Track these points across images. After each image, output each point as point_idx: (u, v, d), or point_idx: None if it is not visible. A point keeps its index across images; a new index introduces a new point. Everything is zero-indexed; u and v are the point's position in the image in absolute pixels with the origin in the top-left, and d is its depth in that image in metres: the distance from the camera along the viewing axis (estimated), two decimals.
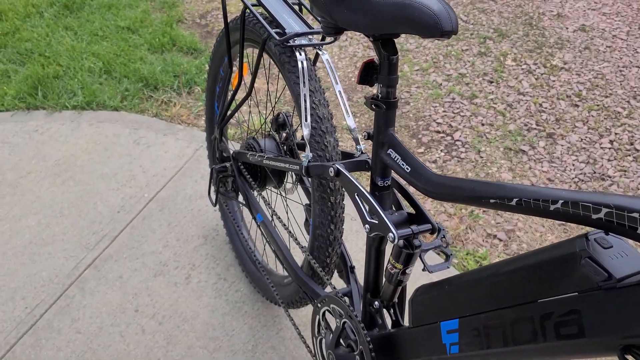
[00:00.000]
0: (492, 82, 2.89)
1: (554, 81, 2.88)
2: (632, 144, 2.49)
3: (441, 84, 2.88)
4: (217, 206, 1.87)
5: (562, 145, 2.48)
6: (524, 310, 0.82)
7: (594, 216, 0.72)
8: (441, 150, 2.45)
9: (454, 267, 1.91)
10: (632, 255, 0.73)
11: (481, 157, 2.41)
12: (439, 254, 1.85)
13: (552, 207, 0.77)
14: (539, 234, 2.03)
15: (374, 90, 1.09)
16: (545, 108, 2.70)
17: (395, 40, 1.06)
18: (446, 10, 0.89)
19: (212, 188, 1.72)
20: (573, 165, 2.37)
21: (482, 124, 2.61)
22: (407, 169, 1.04)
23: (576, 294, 0.74)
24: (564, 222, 2.09)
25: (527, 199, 0.80)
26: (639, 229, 0.67)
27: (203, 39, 3.28)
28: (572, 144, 2.49)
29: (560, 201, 0.76)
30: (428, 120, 2.63)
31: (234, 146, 1.90)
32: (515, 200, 0.82)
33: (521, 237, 2.02)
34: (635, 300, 0.68)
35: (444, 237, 1.12)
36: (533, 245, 1.98)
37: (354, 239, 1.97)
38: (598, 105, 2.71)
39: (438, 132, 2.57)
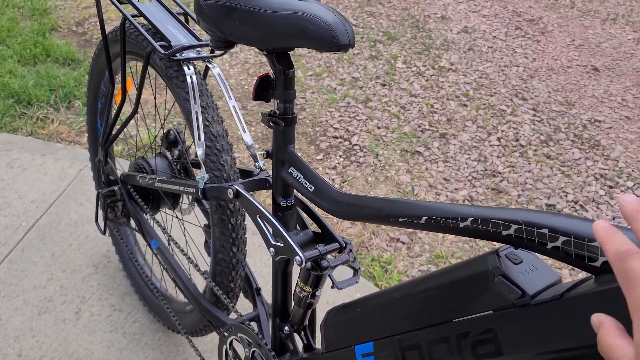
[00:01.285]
0: (385, 85, 2.93)
1: (442, 82, 2.97)
2: (517, 140, 2.61)
3: (336, 89, 2.88)
4: (107, 233, 1.73)
5: (454, 145, 2.55)
6: (439, 330, 0.79)
7: (504, 233, 0.70)
8: (340, 156, 2.44)
9: (362, 275, 1.89)
10: (542, 269, 0.73)
11: (379, 160, 2.43)
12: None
13: (461, 225, 0.75)
14: (440, 235, 2.07)
15: (271, 105, 1.03)
16: (437, 109, 2.78)
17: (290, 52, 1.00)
18: (342, 23, 0.85)
19: (100, 214, 1.57)
20: (466, 163, 2.45)
21: (378, 127, 2.63)
22: (311, 188, 0.99)
23: (491, 312, 0.73)
24: None
25: (436, 217, 0.78)
26: (549, 244, 0.66)
27: (81, 49, 3.06)
28: (463, 143, 2.57)
29: (470, 218, 0.74)
30: (325, 126, 2.61)
31: (122, 166, 1.76)
32: (424, 218, 0.79)
33: (423, 238, 2.05)
34: (548, 316, 0.67)
35: (351, 251, 1.08)
36: (434, 246, 2.01)
37: (258, 254, 1.90)
38: (484, 104, 2.83)
39: (336, 137, 2.55)
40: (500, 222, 0.70)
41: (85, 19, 3.35)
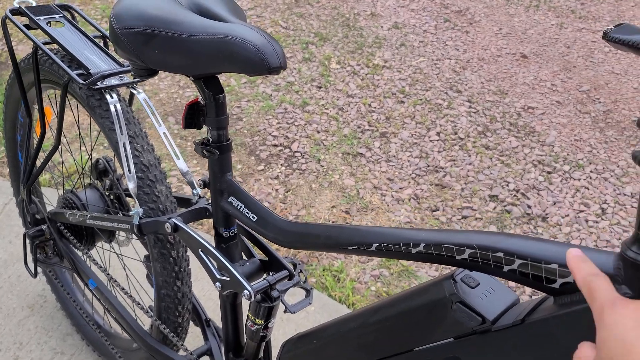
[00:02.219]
0: (320, 87, 2.89)
1: (378, 80, 2.96)
2: (456, 133, 2.64)
3: (271, 95, 2.82)
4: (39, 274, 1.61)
5: (395, 143, 2.55)
6: None
7: (458, 257, 0.68)
8: (282, 165, 2.39)
9: (314, 286, 1.85)
10: (499, 290, 0.71)
11: (322, 166, 2.39)
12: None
13: (414, 251, 0.72)
14: None
15: (203, 132, 0.96)
16: (375, 108, 2.77)
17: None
18: (271, 45, 0.80)
19: (30, 255, 1.46)
20: (409, 161, 2.45)
21: (318, 131, 2.59)
22: (253, 217, 0.94)
23: (452, 340, 0.70)
24: (416, 216, 2.14)
25: (387, 244, 0.75)
26: (505, 268, 0.64)
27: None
28: (404, 140, 2.57)
29: (422, 244, 0.71)
30: (264, 135, 2.55)
31: (49, 200, 1.64)
32: (374, 245, 0.76)
33: None
34: (511, 342, 0.65)
35: (301, 271, 1.04)
36: None
37: (205, 276, 1.83)
38: (421, 99, 2.84)
39: (275, 145, 2.50)
40: (453, 247, 0.68)
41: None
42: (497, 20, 3.59)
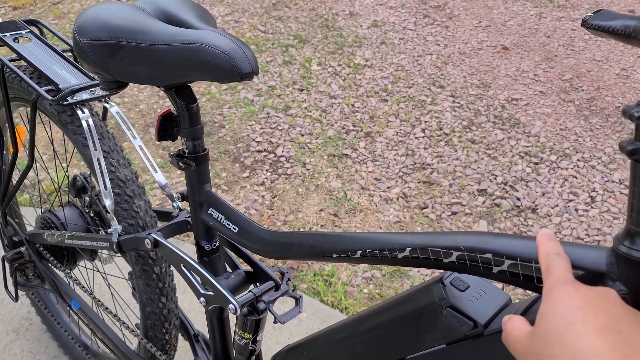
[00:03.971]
0: (302, 90, 2.87)
1: (360, 79, 2.94)
2: (441, 129, 2.62)
3: (253, 100, 2.79)
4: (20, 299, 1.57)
5: (380, 142, 2.52)
6: None
7: (446, 260, 0.65)
8: (267, 170, 2.36)
9: (304, 292, 1.82)
10: (490, 292, 0.68)
11: (308, 169, 2.36)
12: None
13: (400, 256, 0.69)
14: None
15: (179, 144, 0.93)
16: (358, 108, 2.75)
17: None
18: (241, 50, 0.77)
19: (10, 279, 1.42)
20: (395, 160, 2.43)
21: (302, 135, 2.56)
22: (234, 229, 0.91)
23: (444, 346, 0.67)
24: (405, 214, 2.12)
25: (372, 250, 0.72)
26: (494, 269, 0.62)
27: None
28: (389, 139, 2.55)
29: (408, 249, 0.68)
30: (247, 141, 2.52)
31: (29, 221, 1.60)
32: (359, 252, 0.73)
33: None
34: (504, 346, 0.63)
35: (289, 280, 1.01)
36: None
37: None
38: (404, 97, 2.82)
39: (260, 151, 2.47)
40: (440, 250, 0.65)
41: None
42: (476, 13, 3.58)
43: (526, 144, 2.52)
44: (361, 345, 0.77)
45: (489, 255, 0.61)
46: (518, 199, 2.22)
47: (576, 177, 2.34)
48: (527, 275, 0.60)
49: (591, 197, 2.24)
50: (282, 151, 2.46)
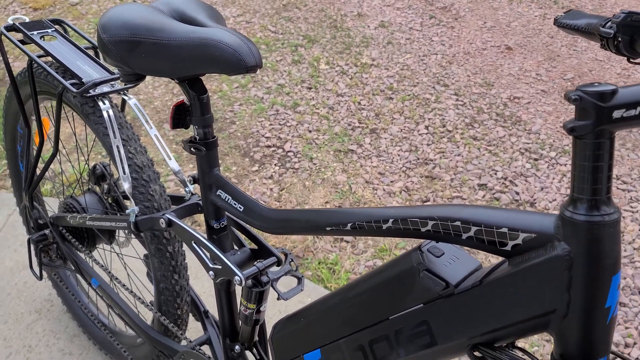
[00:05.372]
0: (310, 88, 2.97)
1: (366, 78, 3.03)
2: (444, 126, 2.70)
3: (263, 98, 2.89)
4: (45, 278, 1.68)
5: (385, 139, 2.62)
6: (379, 329, 0.83)
7: (423, 229, 0.74)
8: (275, 164, 2.46)
9: (309, 279, 1.92)
10: (462, 258, 0.77)
11: (314, 164, 2.46)
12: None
13: (384, 227, 0.78)
14: None
15: (190, 132, 1.03)
16: (364, 105, 2.84)
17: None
18: (247, 45, 0.87)
19: (35, 260, 1.53)
20: (399, 155, 2.51)
21: (310, 131, 2.66)
22: (240, 208, 1.00)
23: (422, 305, 0.76)
24: None
25: (360, 222, 0.81)
26: (463, 235, 0.71)
27: None
28: (394, 135, 2.64)
29: (391, 220, 0.77)
30: (257, 137, 2.62)
31: (51, 207, 1.71)
32: (349, 225, 0.82)
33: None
34: (472, 302, 0.72)
35: (292, 260, 1.11)
36: (378, 240, 2.06)
37: (205, 275, 1.89)
38: (409, 95, 2.91)
39: (269, 146, 2.57)
40: (418, 220, 0.74)
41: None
42: (481, 14, 3.66)
43: (527, 141, 2.60)
44: (350, 309, 0.87)
45: (458, 223, 0.71)
46: (517, 193, 2.30)
47: None
48: (490, 240, 0.69)
49: None
50: (290, 146, 2.56)
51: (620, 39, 0.68)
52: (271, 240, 2.04)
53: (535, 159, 2.49)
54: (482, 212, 0.70)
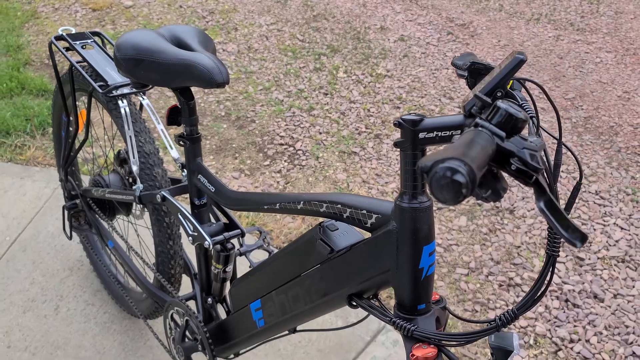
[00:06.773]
0: (327, 94, 3.27)
1: (379, 88, 3.31)
2: None
3: (282, 100, 3.21)
4: (73, 239, 2.05)
5: (387, 144, 2.89)
6: (295, 283, 1.12)
7: (321, 210, 1.04)
8: (285, 161, 2.77)
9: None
10: (350, 233, 1.06)
11: (319, 162, 2.76)
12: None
13: (298, 207, 1.08)
14: None
15: (181, 129, 1.36)
16: (373, 112, 3.12)
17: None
18: (217, 67, 1.18)
19: (67, 224, 1.90)
20: (397, 160, 2.79)
21: (320, 133, 2.96)
22: (212, 189, 1.32)
23: (319, 265, 1.06)
24: None
25: (284, 203, 1.11)
26: (343, 215, 1.00)
27: (53, 80, 3.38)
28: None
29: (302, 202, 1.07)
30: (272, 135, 2.95)
31: (83, 183, 2.08)
32: (277, 205, 1.13)
33: None
34: (345, 262, 1.00)
35: (265, 238, 1.42)
36: None
37: None
38: (415, 105, 3.17)
39: (282, 144, 2.88)
40: (317, 202, 1.04)
41: (55, 52, 3.67)
42: (497, 32, 3.87)
43: None
44: (277, 267, 1.17)
45: (339, 206, 1.00)
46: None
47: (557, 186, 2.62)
48: (358, 219, 0.97)
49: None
50: (301, 145, 2.86)
51: (468, 79, 0.97)
52: (253, 219, 2.34)
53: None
54: (355, 198, 0.99)
